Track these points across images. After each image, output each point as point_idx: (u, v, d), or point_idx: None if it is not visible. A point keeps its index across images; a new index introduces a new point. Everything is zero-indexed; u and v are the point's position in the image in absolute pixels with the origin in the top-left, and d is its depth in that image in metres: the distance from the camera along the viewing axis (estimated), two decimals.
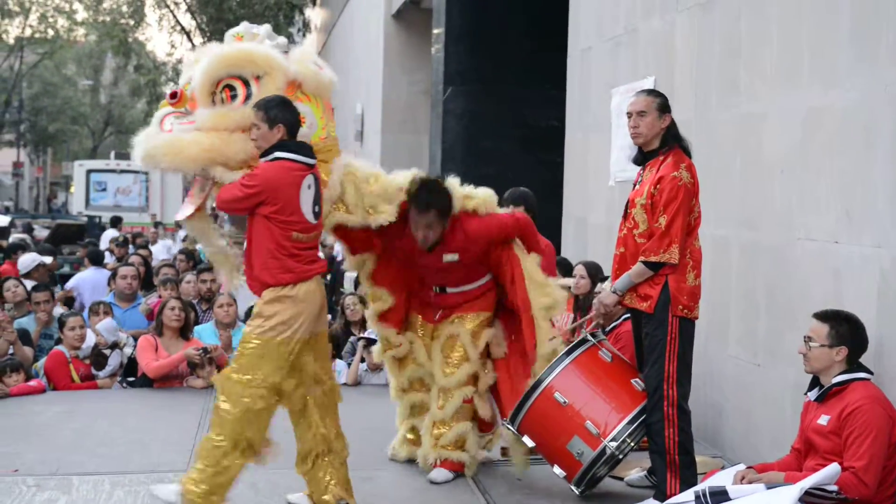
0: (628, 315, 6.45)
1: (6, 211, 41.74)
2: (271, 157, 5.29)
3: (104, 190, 33.02)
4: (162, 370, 8.71)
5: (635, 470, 6.20)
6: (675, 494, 5.25)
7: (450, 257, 6.16)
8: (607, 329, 6.78)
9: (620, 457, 5.73)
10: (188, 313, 9.09)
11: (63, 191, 63.30)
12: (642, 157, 5.77)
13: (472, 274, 6.33)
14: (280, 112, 5.30)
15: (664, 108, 5.68)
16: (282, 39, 5.83)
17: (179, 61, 36.46)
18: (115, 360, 9.09)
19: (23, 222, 23.00)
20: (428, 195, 5.99)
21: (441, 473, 6.22)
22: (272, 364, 5.20)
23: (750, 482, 4.73)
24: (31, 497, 5.71)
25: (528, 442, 5.94)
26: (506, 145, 14.92)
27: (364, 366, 9.19)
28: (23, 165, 57.65)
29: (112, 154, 40.05)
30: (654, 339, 5.57)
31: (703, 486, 4.76)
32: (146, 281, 12.19)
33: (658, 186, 5.52)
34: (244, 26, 5.86)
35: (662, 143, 5.67)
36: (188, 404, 7.93)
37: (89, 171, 33.84)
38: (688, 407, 5.62)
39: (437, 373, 6.31)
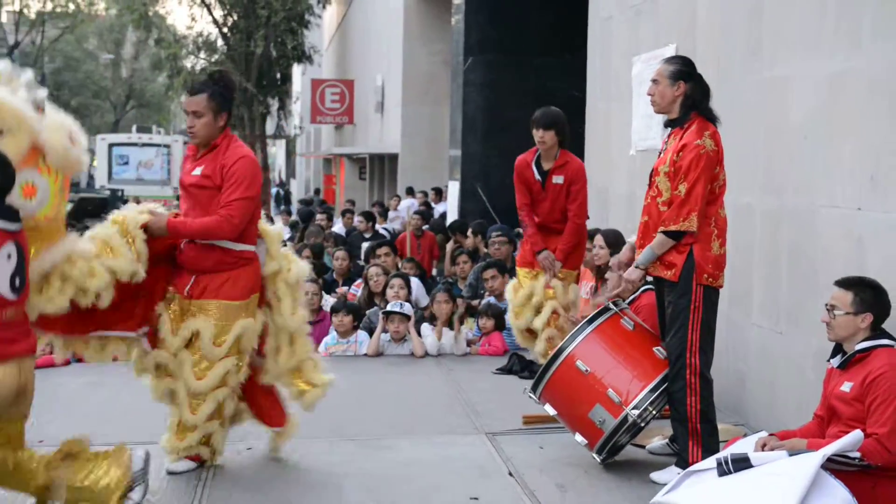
0: (648, 287, 6.43)
1: None
2: None
3: (126, 164, 33.15)
4: None
5: (657, 438, 6.19)
6: (697, 462, 5.24)
7: (198, 170, 5.62)
8: (627, 300, 6.75)
9: (642, 425, 5.72)
10: None
11: None
12: (668, 124, 5.73)
13: None
14: None
15: (677, 75, 5.62)
16: (41, 93, 5.22)
17: (200, 35, 36.49)
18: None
19: None
20: (207, 80, 5.67)
21: (181, 464, 5.75)
22: None
23: (772, 449, 4.71)
24: None
25: (550, 410, 5.94)
26: (527, 115, 14.67)
27: (386, 336, 9.21)
28: None
29: (134, 128, 40.15)
30: (678, 307, 5.55)
31: (725, 453, 4.74)
32: None
33: (680, 154, 5.49)
34: (4, 65, 5.22)
35: (682, 110, 5.63)
36: None
37: (111, 145, 33.97)
38: (710, 375, 5.60)
39: (187, 374, 5.60)
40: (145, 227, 5.46)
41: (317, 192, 36.54)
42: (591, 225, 9.27)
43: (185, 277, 5.66)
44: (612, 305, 5.95)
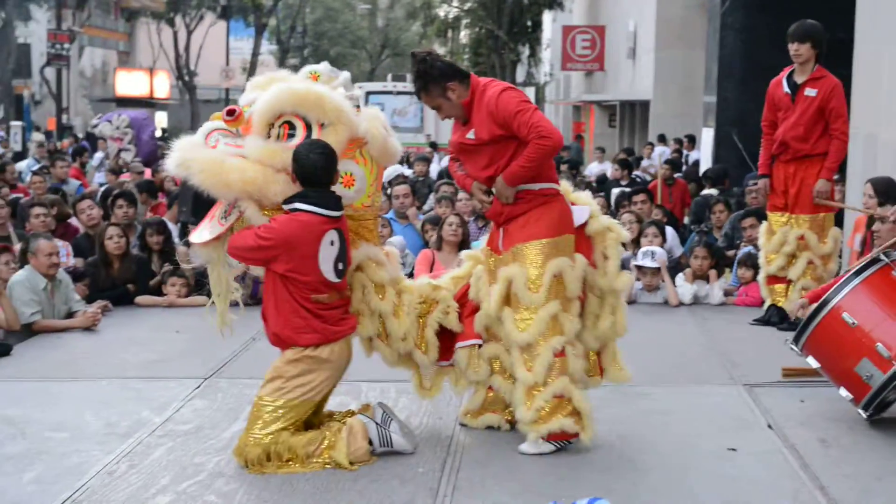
0: None
1: None
2: (290, 206, 5.05)
3: (382, 111, 34.01)
4: None
5: None
6: None
7: (469, 134, 5.34)
8: None
9: None
10: (466, 229, 9.29)
11: None
12: None
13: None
14: (295, 160, 5.04)
15: None
16: (358, 91, 5.47)
17: None
18: None
19: None
20: (414, 82, 5.38)
21: (533, 446, 5.26)
22: (290, 421, 5.08)
23: None
24: None
25: (813, 363, 5.79)
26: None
27: (639, 284, 9.15)
28: None
29: (389, 76, 41.16)
30: None
31: None
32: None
33: None
34: (325, 66, 5.49)
35: None
36: None
37: (368, 93, 34.88)
38: None
39: (509, 329, 5.27)
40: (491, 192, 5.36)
41: (578, 137, 36.46)
42: (857, 175, 8.90)
43: (494, 234, 5.49)
44: (882, 256, 5.72)
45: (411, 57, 5.43)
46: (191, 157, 5.09)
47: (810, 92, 7.87)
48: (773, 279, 8.18)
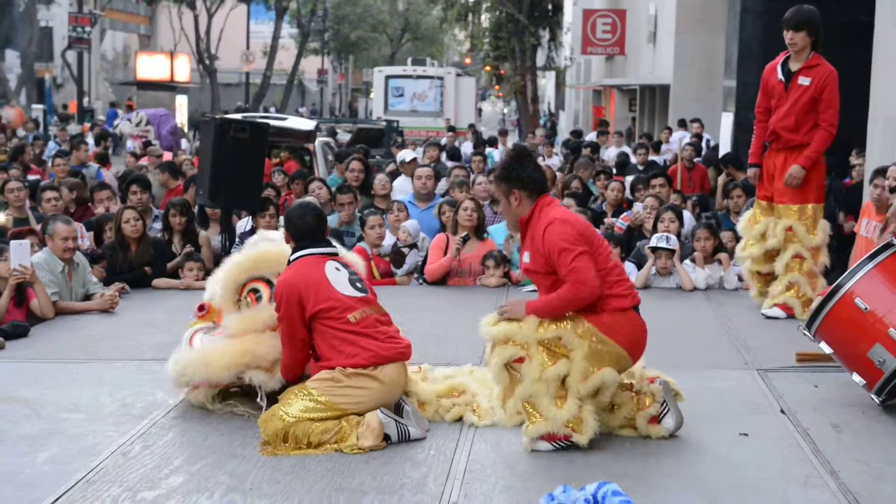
0: None
1: (312, 115, 43.80)
2: (288, 264, 5.42)
3: (401, 95, 34.05)
4: (435, 273, 9.00)
5: None
6: None
7: (525, 258, 5.24)
8: None
9: None
10: (482, 213, 9.28)
11: (363, 97, 65.73)
12: None
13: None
14: (290, 222, 5.52)
15: None
16: (274, 234, 6.04)
17: None
18: (412, 258, 9.45)
19: (327, 126, 24.03)
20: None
21: (529, 445, 5.12)
22: (321, 416, 5.13)
23: None
24: None
25: (825, 348, 5.77)
26: None
27: (654, 269, 9.12)
28: (327, 73, 60.23)
29: (409, 60, 41.13)
30: None
31: None
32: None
33: None
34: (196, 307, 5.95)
35: None
36: (480, 301, 8.12)
37: (388, 77, 34.96)
38: None
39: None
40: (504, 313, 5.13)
41: (632, 121, 36.13)
42: (876, 158, 8.86)
43: None
44: (895, 241, 5.69)
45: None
46: (182, 366, 5.50)
47: (804, 81, 7.58)
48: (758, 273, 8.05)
